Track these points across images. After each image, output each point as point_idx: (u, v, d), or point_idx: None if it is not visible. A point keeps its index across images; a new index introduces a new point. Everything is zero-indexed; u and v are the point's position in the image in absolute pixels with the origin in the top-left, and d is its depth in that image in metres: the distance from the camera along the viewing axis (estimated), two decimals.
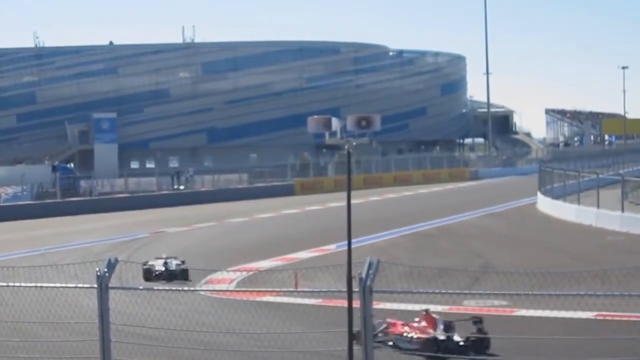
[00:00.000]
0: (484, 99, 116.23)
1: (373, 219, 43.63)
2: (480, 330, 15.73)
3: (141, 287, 19.33)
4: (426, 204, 57.68)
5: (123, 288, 15.64)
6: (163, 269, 26.93)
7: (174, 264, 27.26)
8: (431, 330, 16.05)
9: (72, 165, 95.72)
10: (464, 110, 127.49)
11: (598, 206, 39.31)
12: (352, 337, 12.40)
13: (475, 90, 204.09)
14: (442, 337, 15.77)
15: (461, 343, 15.70)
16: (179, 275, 26.56)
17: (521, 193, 57.59)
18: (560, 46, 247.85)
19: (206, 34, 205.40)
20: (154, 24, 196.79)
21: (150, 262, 27.44)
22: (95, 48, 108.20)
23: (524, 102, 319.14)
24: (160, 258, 27.84)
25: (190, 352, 14.85)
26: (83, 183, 74.36)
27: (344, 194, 12.86)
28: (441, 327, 15.99)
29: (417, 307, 17.89)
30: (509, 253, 31.43)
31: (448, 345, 15.61)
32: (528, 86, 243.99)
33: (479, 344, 15.68)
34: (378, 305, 13.00)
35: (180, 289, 20.46)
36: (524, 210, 48.99)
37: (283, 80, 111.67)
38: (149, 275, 26.60)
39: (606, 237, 35.12)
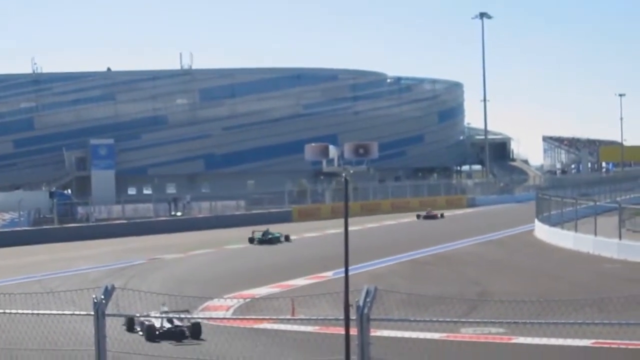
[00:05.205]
0: (482, 126, 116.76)
1: (370, 246, 43.57)
2: None
3: (137, 315, 19.24)
4: (423, 231, 57.60)
5: (120, 315, 15.65)
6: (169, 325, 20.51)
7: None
8: None
9: (69, 191, 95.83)
10: (461, 138, 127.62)
11: (595, 234, 39.31)
12: None
13: (472, 117, 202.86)
14: None
15: None
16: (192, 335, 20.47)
17: (518, 220, 57.65)
18: (558, 73, 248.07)
19: (204, 61, 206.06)
20: (152, 50, 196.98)
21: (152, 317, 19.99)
22: (93, 74, 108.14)
23: (522, 129, 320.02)
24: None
25: None
26: (80, 209, 74.46)
27: (342, 221, 12.85)
28: None
29: (414, 334, 17.84)
30: (507, 280, 31.38)
31: None
32: (526, 113, 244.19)
33: None
34: (375, 333, 12.95)
35: (177, 316, 20.38)
36: (521, 238, 48.98)
37: (280, 107, 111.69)
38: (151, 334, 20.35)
39: (603, 264, 35.08)
